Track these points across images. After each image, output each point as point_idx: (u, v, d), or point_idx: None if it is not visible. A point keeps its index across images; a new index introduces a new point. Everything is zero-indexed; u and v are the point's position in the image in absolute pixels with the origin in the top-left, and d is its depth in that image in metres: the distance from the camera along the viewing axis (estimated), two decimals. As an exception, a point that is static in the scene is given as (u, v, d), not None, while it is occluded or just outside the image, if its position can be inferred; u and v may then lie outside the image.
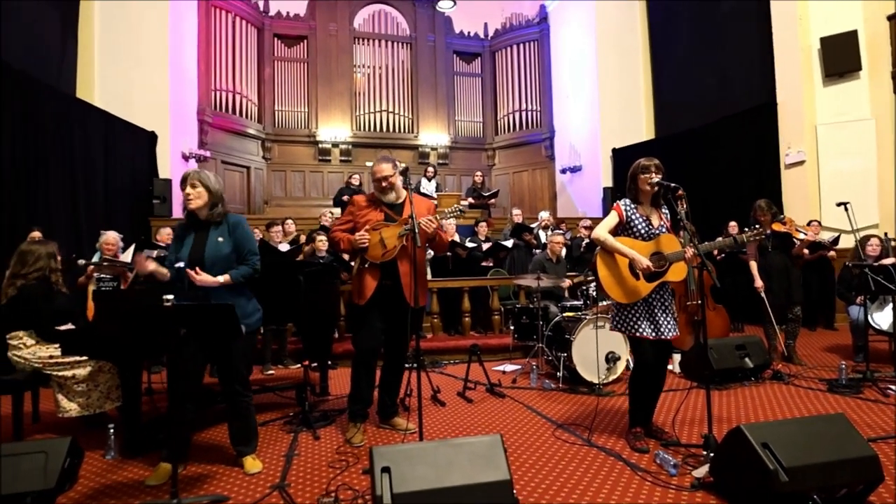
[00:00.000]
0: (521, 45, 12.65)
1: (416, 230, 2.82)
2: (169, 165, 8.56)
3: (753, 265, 4.82)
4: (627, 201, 2.94)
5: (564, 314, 4.75)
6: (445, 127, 12.74)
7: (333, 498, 2.23)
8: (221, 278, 2.62)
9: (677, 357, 4.62)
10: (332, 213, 7.82)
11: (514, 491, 2.03)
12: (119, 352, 3.02)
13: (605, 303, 4.49)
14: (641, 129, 10.47)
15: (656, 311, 2.83)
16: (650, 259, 2.80)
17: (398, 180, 3.20)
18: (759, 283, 4.74)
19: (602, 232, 2.89)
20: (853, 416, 3.27)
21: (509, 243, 6.73)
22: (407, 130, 12.46)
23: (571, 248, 6.73)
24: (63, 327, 3.26)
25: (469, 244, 6.67)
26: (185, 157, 9.39)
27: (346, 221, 3.24)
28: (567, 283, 5.23)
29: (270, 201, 11.48)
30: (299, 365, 5.30)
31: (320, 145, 11.99)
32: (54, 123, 6.11)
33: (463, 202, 9.44)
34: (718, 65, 8.88)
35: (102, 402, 3.24)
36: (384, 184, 3.14)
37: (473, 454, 2.05)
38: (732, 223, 6.67)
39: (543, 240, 6.97)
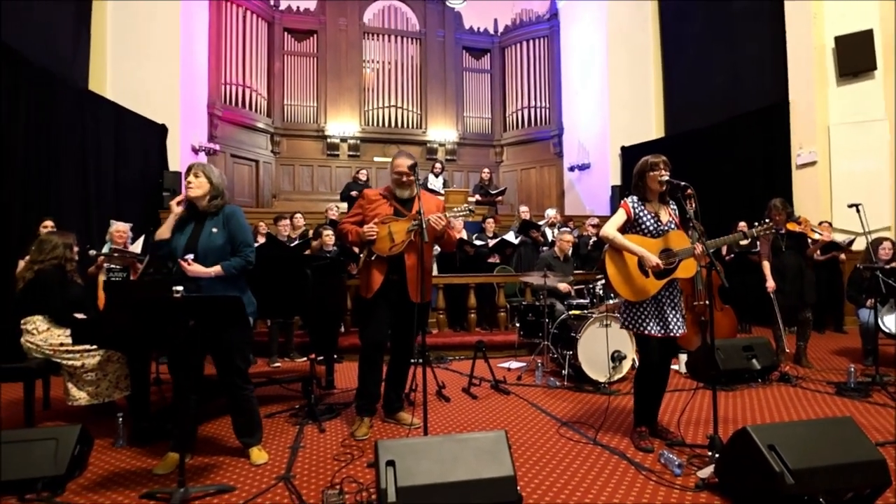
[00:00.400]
0: (531, 42, 12.59)
1: (425, 226, 2.83)
2: (179, 158, 8.61)
3: (766, 265, 4.73)
4: (635, 198, 2.92)
5: (570, 312, 4.75)
6: (454, 123, 12.72)
7: (338, 490, 2.24)
8: (213, 269, 2.61)
9: (683, 357, 4.61)
10: (338, 208, 7.84)
11: (518, 487, 2.04)
12: (128, 342, 3.05)
13: (611, 301, 4.48)
14: (651, 127, 10.40)
15: (665, 308, 2.82)
16: (659, 256, 2.78)
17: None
18: (771, 283, 4.65)
19: (610, 230, 2.88)
20: (861, 419, 3.24)
21: (516, 240, 6.73)
22: (415, 126, 12.45)
23: (579, 247, 6.71)
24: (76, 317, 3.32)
25: (476, 241, 6.67)
26: (195, 151, 9.44)
27: (355, 214, 3.25)
28: (565, 287, 5.15)
29: (279, 195, 11.53)
30: (305, 358, 5.33)
31: (329, 140, 12.02)
32: (67, 116, 6.17)
33: (470, 199, 9.43)
34: (730, 63, 8.79)
35: (111, 391, 3.28)
36: (404, 178, 3.14)
37: (478, 450, 2.06)
38: (742, 223, 6.62)
39: (550, 237, 6.95)
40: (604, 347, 4.12)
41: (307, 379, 3.70)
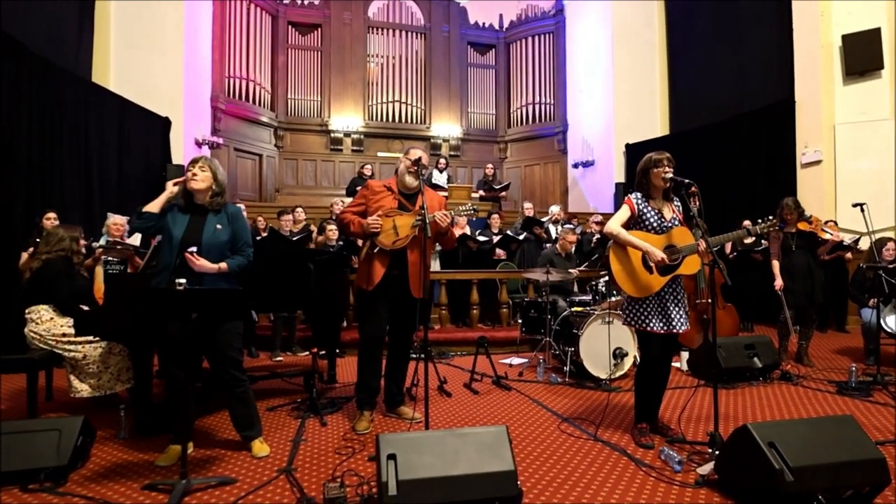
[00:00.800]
0: (536, 38, 12.54)
1: (430, 222, 2.83)
2: (182, 152, 8.61)
3: (776, 264, 4.70)
4: (639, 195, 2.91)
5: (573, 309, 4.75)
6: (458, 118, 12.70)
7: (339, 483, 2.25)
8: (219, 266, 2.63)
9: (685, 355, 4.61)
10: (342, 203, 7.83)
11: (519, 482, 2.05)
12: (130, 334, 3.06)
13: (614, 298, 4.47)
14: (656, 124, 10.37)
15: (669, 304, 2.82)
16: (663, 252, 2.78)
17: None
18: (778, 282, 4.64)
19: (615, 226, 2.88)
20: (862, 418, 3.24)
21: (521, 236, 6.72)
22: (419, 121, 12.43)
23: (582, 244, 6.70)
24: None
25: (480, 237, 6.66)
26: (199, 144, 9.45)
27: (358, 204, 3.24)
28: (575, 272, 5.16)
29: (282, 189, 11.53)
30: (308, 352, 5.35)
31: (332, 134, 12.00)
32: (70, 108, 6.16)
33: (473, 195, 9.42)
34: (736, 61, 8.75)
35: (113, 383, 3.30)
36: (415, 168, 3.12)
37: (479, 444, 2.07)
38: (746, 222, 6.60)
39: (554, 234, 6.95)
40: (605, 344, 4.12)
41: (309, 373, 3.72)
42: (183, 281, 2.28)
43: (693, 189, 2.74)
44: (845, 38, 7.00)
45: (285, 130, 11.80)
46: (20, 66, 5.34)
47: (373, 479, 2.30)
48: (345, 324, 5.57)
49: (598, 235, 6.80)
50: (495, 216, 7.15)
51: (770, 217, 2.91)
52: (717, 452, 2.44)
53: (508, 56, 12.98)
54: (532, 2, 12.75)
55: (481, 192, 9.38)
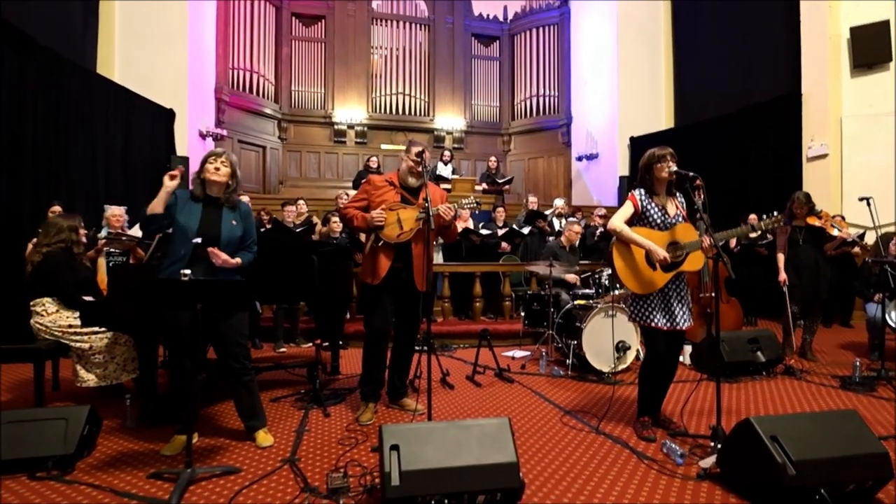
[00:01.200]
0: (541, 29, 12.45)
1: (434, 215, 2.84)
2: (186, 143, 8.63)
3: (781, 258, 4.69)
4: (642, 191, 2.90)
5: (575, 302, 4.75)
6: (461, 111, 12.65)
7: (342, 473, 2.27)
8: (236, 260, 2.70)
9: (688, 348, 4.60)
10: (347, 195, 7.83)
11: (521, 474, 2.06)
12: (136, 325, 3.08)
13: (617, 292, 4.47)
14: (661, 117, 10.31)
15: (672, 301, 2.82)
16: (666, 249, 2.77)
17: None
18: (783, 276, 4.63)
19: (618, 222, 2.87)
20: (865, 413, 3.23)
21: (525, 230, 6.71)
22: (423, 113, 12.39)
23: (585, 237, 6.69)
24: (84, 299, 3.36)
25: (483, 231, 6.65)
26: (203, 136, 9.44)
27: (360, 199, 3.24)
28: (573, 277, 5.20)
29: (285, 181, 11.53)
30: (311, 344, 5.37)
31: (336, 126, 11.99)
32: (75, 99, 6.17)
33: (477, 188, 9.40)
34: (742, 54, 8.68)
35: (119, 373, 3.33)
36: (418, 167, 3.11)
37: (482, 436, 2.08)
38: (752, 216, 6.57)
39: (557, 227, 6.93)
40: (608, 337, 4.12)
41: (313, 364, 3.74)
42: (188, 272, 2.29)
43: (698, 182, 2.72)
44: (853, 30, 6.93)
45: (289, 122, 11.79)
46: (27, 58, 5.35)
47: (376, 469, 2.32)
48: (348, 315, 5.59)
49: (601, 229, 6.78)
50: (500, 209, 7.14)
51: (775, 213, 2.89)
52: (719, 446, 2.45)
53: (512, 48, 12.89)
54: (537, -7, 12.66)
55: (484, 185, 9.35)
